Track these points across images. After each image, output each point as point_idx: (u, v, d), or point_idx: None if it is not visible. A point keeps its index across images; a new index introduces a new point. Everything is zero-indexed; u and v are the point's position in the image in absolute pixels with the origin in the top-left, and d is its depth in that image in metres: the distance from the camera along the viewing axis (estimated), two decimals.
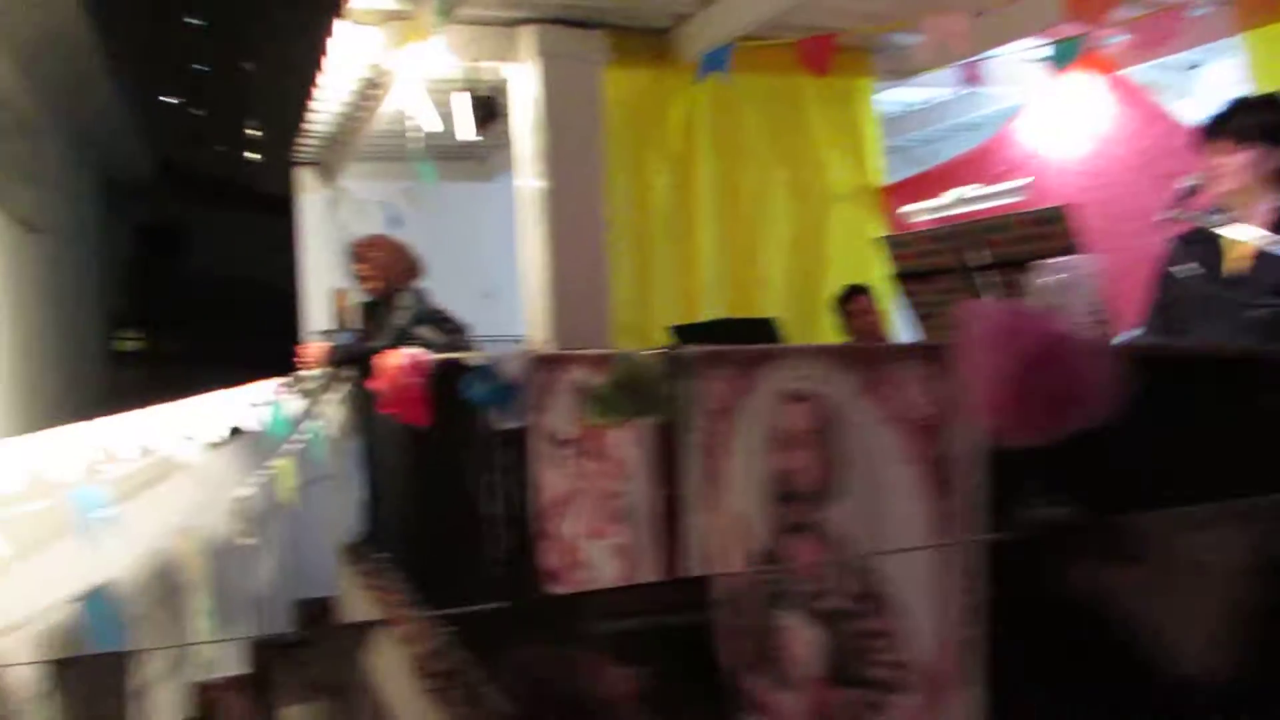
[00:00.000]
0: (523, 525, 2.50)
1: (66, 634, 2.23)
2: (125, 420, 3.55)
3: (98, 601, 2.18)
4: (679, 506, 1.61)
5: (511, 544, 2.61)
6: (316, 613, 5.18)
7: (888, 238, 2.70)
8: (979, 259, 2.32)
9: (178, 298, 11.37)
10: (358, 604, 4.12)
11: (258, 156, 18.27)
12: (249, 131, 18.49)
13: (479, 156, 5.93)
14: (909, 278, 2.60)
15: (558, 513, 2.09)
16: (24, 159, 6.87)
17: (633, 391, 1.53)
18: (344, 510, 4.49)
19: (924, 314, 2.62)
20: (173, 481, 4.40)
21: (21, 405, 6.22)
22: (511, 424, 2.29)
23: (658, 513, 1.71)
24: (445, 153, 5.17)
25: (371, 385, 3.17)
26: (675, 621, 1.34)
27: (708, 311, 3.98)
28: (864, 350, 1.35)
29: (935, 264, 2.45)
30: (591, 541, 1.95)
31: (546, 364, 2.13)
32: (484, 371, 2.18)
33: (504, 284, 5.90)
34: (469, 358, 2.35)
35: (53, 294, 7.69)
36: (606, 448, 1.86)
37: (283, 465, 3.46)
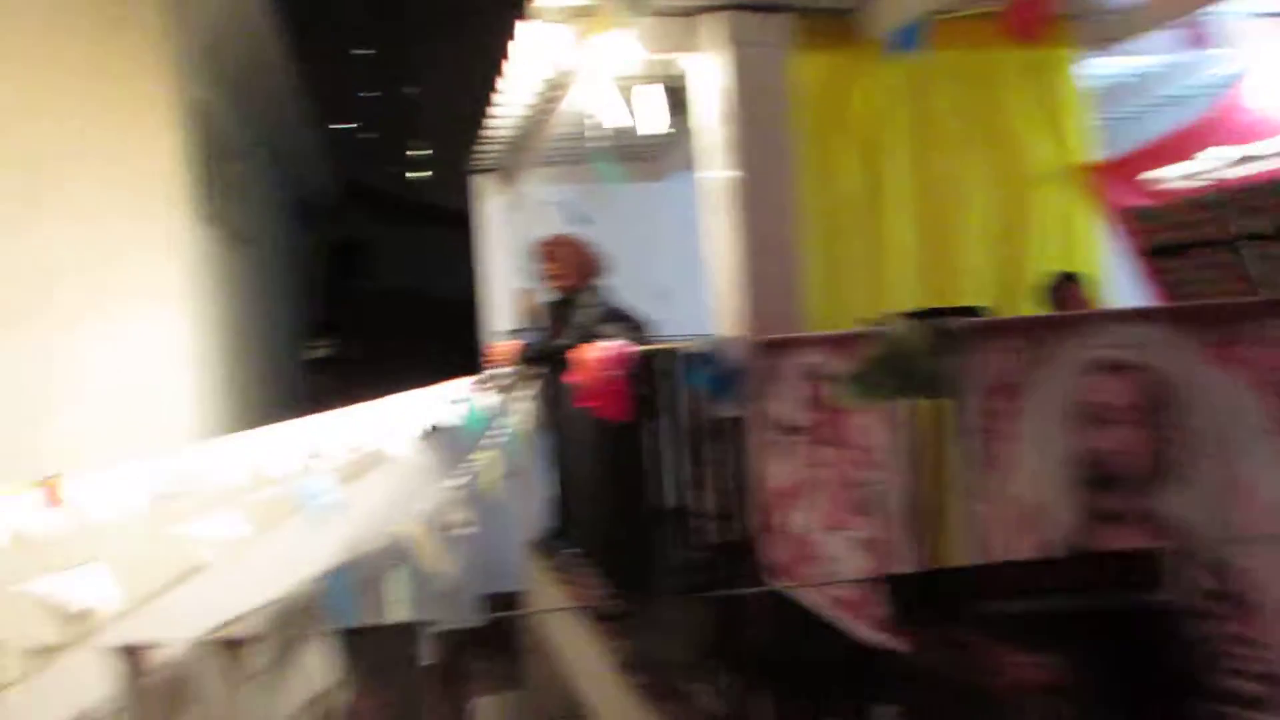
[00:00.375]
0: (734, 517, 2.43)
1: (310, 609, 2.33)
2: (332, 417, 3.74)
3: (340, 579, 2.27)
4: (943, 494, 1.49)
5: (720, 536, 2.54)
6: (506, 607, 5.30)
7: (1135, 210, 2.46)
8: (1253, 226, 2.07)
9: (362, 308, 12.09)
10: (549, 599, 4.17)
11: (426, 174, 19.28)
12: (420, 152, 19.52)
13: (650, 156, 5.94)
14: (1160, 254, 2.36)
15: (785, 504, 2.00)
16: (234, 178, 7.47)
17: (896, 369, 1.42)
18: (532, 506, 4.57)
19: (1178, 293, 2.37)
20: (381, 473, 4.60)
21: (233, 404, 6.72)
22: (728, 413, 2.22)
23: (913, 502, 1.59)
24: (617, 153, 5.18)
25: (572, 379, 3.18)
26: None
27: (901, 302, 3.79)
28: (1214, 309, 1.18)
29: (1195, 236, 2.21)
30: (830, 534, 1.85)
31: (774, 349, 2.04)
32: (707, 358, 2.12)
33: (676, 284, 5.89)
34: (689, 345, 2.30)
35: (257, 302, 8.32)
36: (848, 434, 1.76)
37: (487, 458, 3.54)
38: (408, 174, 19.33)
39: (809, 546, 1.94)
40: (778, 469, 2.02)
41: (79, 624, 2.42)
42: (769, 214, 3.56)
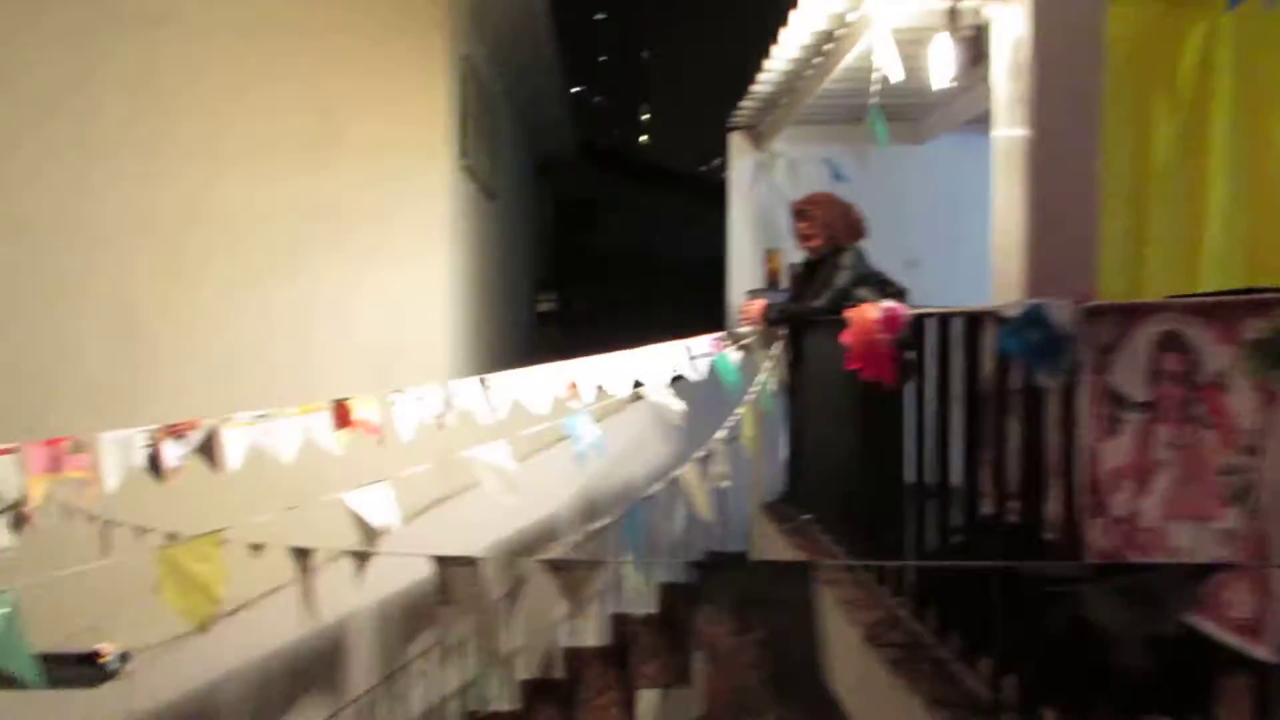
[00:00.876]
0: (1027, 497, 2.25)
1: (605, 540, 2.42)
2: (584, 363, 3.85)
3: (634, 514, 2.35)
4: None
5: (1004, 515, 2.36)
6: (730, 565, 5.30)
7: None
8: None
9: (591, 265, 12.51)
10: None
11: (654, 137, 19.59)
12: (649, 116, 19.86)
13: (911, 118, 5.64)
14: None
15: (1114, 486, 1.81)
16: (489, 134, 7.88)
17: None
18: (767, 467, 4.51)
19: None
20: (627, 418, 4.72)
21: (478, 350, 7.15)
22: (1045, 382, 2.04)
23: None
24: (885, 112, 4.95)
25: (842, 340, 3.08)
26: None
27: (1214, 283, 3.37)
28: None
29: None
30: (1175, 523, 1.65)
31: (1115, 314, 1.84)
32: (1030, 322, 1.95)
33: (925, 254, 5.61)
34: (1006, 308, 2.14)
35: (500, 254, 8.78)
36: (1213, 413, 1.55)
37: (745, 413, 3.53)
38: (639, 137, 19.76)
39: (1144, 535, 1.75)
40: (1108, 447, 1.83)
41: (373, 532, 2.64)
42: (1065, 178, 3.25)
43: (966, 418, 2.58)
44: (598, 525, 2.35)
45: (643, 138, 21.06)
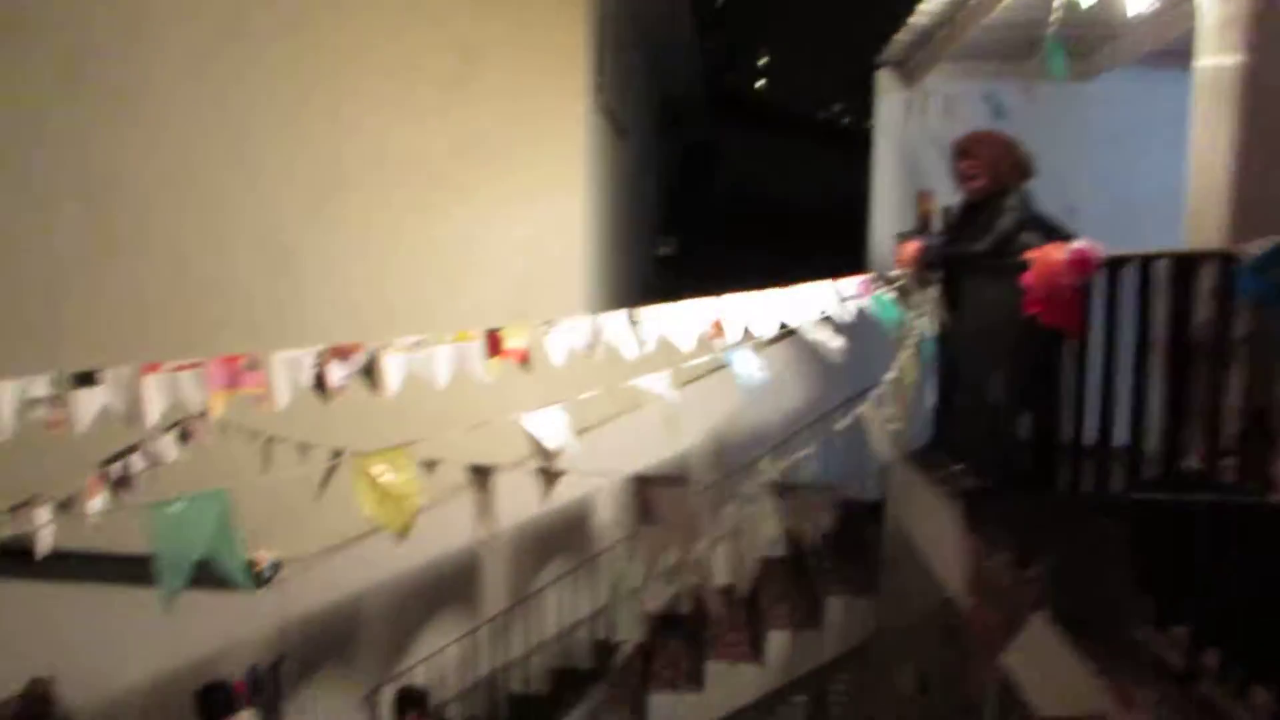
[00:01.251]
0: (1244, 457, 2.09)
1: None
2: (727, 301, 3.79)
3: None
4: None
5: (1196, 469, 2.21)
6: (865, 515, 5.23)
7: None
8: None
9: (710, 209, 12.35)
10: (925, 512, 4.01)
11: (762, 82, 19.05)
12: (766, 60, 19.34)
13: (1081, 52, 5.26)
14: None
15: None
16: (622, 73, 7.78)
17: None
18: (915, 414, 4.37)
19: None
20: (772, 355, 4.62)
21: (608, 286, 7.17)
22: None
23: None
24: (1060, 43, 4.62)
25: (1024, 281, 2.92)
26: None
27: None
28: None
29: None
30: None
31: None
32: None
33: (1090, 196, 5.27)
34: (1242, 247, 1.97)
35: (629, 193, 8.74)
36: None
37: (907, 358, 3.42)
38: (756, 81, 19.27)
39: None
40: None
41: (548, 453, 2.68)
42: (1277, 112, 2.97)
43: (1169, 368, 2.41)
44: (800, 454, 2.33)
45: (760, 81, 20.45)
